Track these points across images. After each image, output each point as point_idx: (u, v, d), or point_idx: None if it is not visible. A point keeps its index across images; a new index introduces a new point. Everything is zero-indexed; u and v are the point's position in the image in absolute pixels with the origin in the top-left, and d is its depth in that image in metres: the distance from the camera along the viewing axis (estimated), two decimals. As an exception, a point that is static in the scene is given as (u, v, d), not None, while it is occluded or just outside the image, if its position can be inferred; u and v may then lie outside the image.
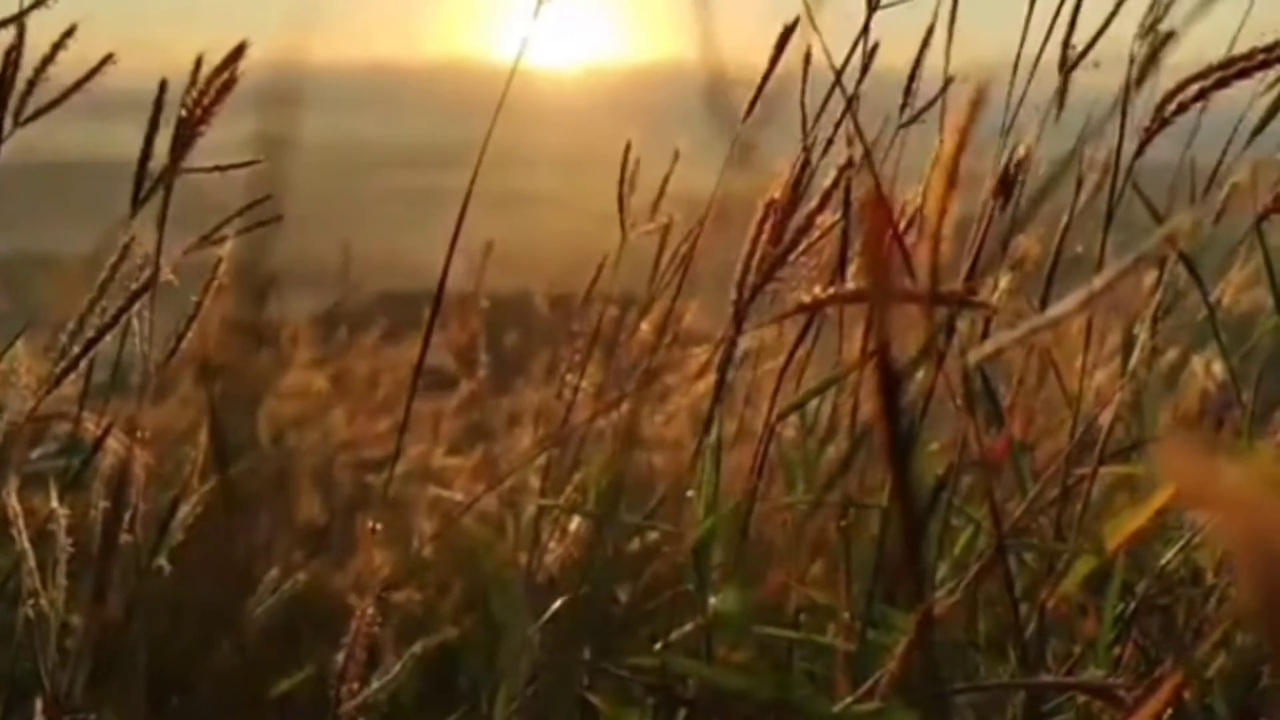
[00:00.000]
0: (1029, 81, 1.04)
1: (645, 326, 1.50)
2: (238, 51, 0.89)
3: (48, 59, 0.86)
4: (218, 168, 1.04)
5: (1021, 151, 0.99)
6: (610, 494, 1.12)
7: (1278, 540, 0.30)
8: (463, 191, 1.12)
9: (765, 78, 1.19)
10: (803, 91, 1.16)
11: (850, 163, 0.81)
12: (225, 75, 0.88)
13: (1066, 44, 1.09)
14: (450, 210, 1.16)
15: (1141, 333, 1.15)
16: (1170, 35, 0.94)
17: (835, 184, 0.81)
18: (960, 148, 0.47)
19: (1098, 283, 0.53)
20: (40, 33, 1.02)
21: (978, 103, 0.48)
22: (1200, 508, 0.33)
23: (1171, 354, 1.67)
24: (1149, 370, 1.27)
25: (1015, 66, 1.07)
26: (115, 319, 0.96)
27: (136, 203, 0.92)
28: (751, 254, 0.84)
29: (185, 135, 0.89)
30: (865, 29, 1.16)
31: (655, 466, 2.01)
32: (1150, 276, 1.35)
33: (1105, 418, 1.13)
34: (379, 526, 1.04)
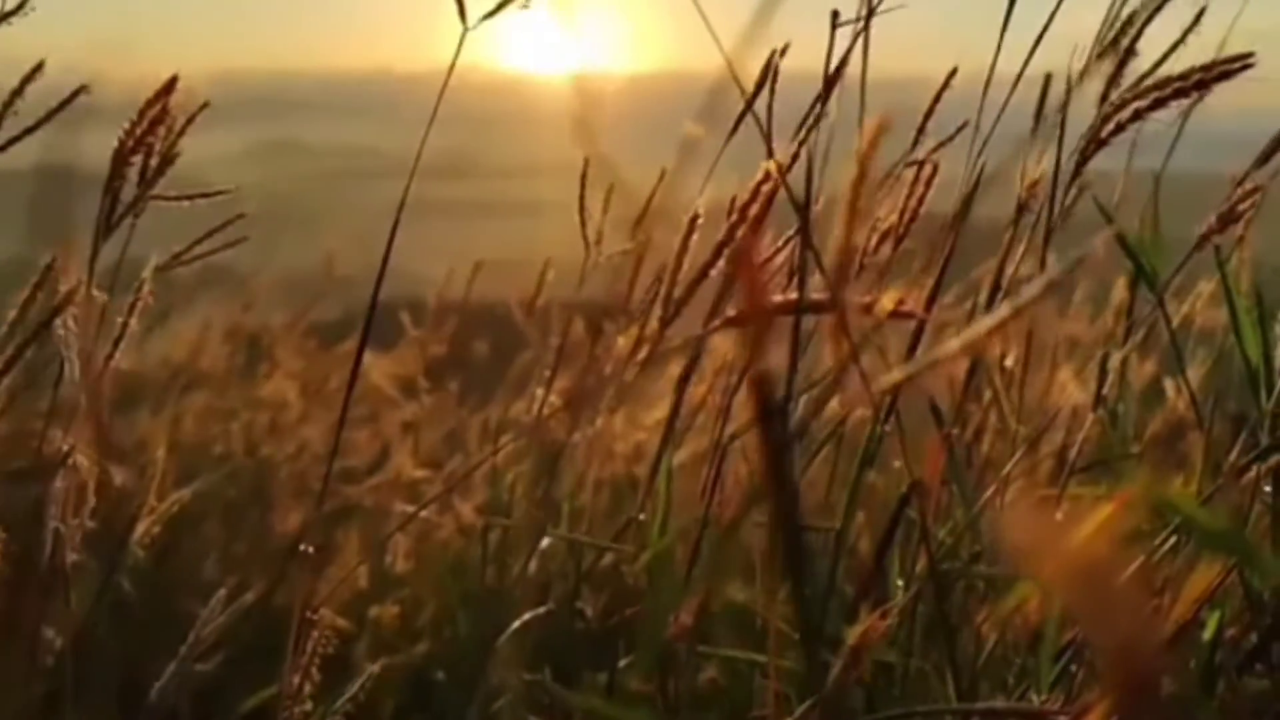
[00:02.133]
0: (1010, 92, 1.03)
1: (622, 341, 1.49)
2: (170, 84, 0.88)
3: (15, 93, 0.87)
4: (181, 197, 1.03)
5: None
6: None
7: (1115, 602, 0.30)
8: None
9: (757, 90, 1.19)
10: (770, 104, 1.15)
11: (768, 177, 0.80)
12: (158, 107, 0.87)
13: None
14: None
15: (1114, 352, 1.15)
16: (1131, 52, 0.93)
17: (752, 198, 0.80)
18: (862, 178, 0.46)
19: (1018, 302, 0.52)
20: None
21: (878, 135, 0.47)
22: (1041, 570, 0.32)
23: (1147, 372, 1.66)
24: (1120, 389, 1.26)
25: (989, 79, 1.06)
26: (32, 337, 0.94)
27: (107, 229, 0.91)
28: (677, 269, 0.83)
29: (120, 165, 0.88)
30: (836, 38, 1.16)
31: (636, 480, 2.00)
32: (1121, 295, 1.34)
33: (1076, 438, 1.12)
34: (313, 549, 1.02)
